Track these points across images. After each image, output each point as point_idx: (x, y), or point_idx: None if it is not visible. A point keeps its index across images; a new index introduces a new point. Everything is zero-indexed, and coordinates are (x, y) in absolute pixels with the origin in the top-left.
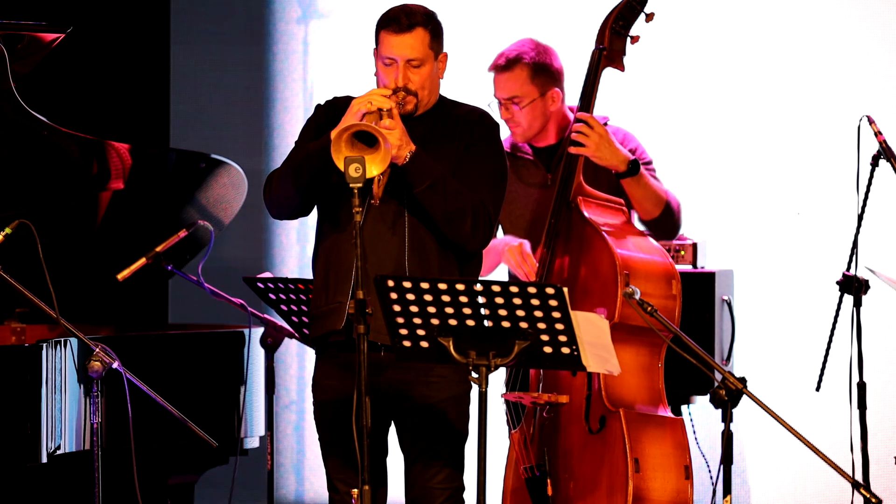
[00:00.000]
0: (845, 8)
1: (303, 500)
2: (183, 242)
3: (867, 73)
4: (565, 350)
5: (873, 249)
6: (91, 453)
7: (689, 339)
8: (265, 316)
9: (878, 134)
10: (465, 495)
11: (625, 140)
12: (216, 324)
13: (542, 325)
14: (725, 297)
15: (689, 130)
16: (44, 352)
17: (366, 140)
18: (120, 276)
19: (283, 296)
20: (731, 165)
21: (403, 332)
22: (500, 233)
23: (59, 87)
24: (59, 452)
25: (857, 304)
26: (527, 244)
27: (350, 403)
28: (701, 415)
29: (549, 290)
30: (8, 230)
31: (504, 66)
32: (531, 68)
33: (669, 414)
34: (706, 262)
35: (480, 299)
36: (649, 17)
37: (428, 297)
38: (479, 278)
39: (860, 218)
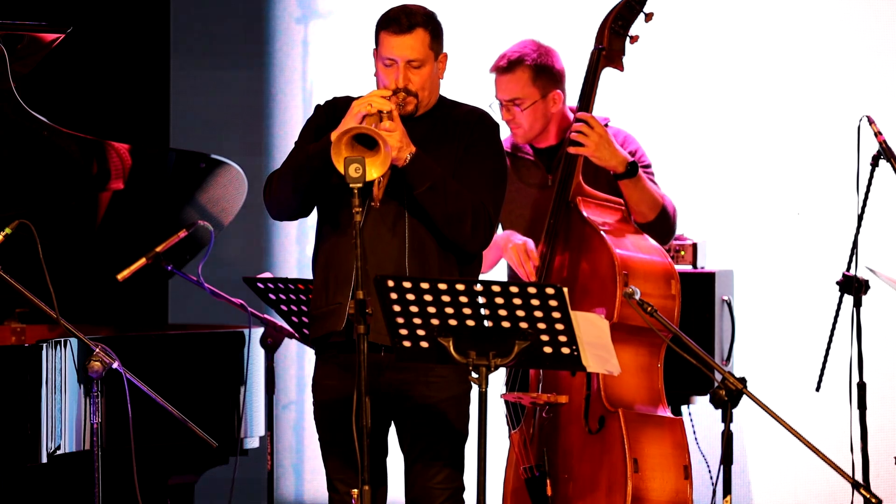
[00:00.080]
0: (845, 8)
1: (302, 501)
2: (183, 243)
3: (867, 73)
4: (565, 350)
5: (873, 249)
6: (91, 453)
7: (688, 340)
8: (265, 316)
9: (878, 134)
10: (465, 495)
11: (625, 142)
12: (216, 324)
13: (542, 326)
14: (725, 298)
15: (688, 130)
16: (44, 352)
17: (366, 143)
18: (120, 277)
19: (282, 296)
20: (731, 165)
21: (403, 332)
22: (499, 229)
23: (59, 87)
24: (59, 452)
25: (857, 304)
26: (531, 243)
27: (350, 403)
28: (701, 415)
29: (549, 291)
30: (8, 230)
31: (505, 67)
32: (533, 70)
33: (669, 414)
34: (706, 263)
35: (480, 299)
36: (648, 16)
37: (428, 298)
38: (480, 278)
39: (860, 218)
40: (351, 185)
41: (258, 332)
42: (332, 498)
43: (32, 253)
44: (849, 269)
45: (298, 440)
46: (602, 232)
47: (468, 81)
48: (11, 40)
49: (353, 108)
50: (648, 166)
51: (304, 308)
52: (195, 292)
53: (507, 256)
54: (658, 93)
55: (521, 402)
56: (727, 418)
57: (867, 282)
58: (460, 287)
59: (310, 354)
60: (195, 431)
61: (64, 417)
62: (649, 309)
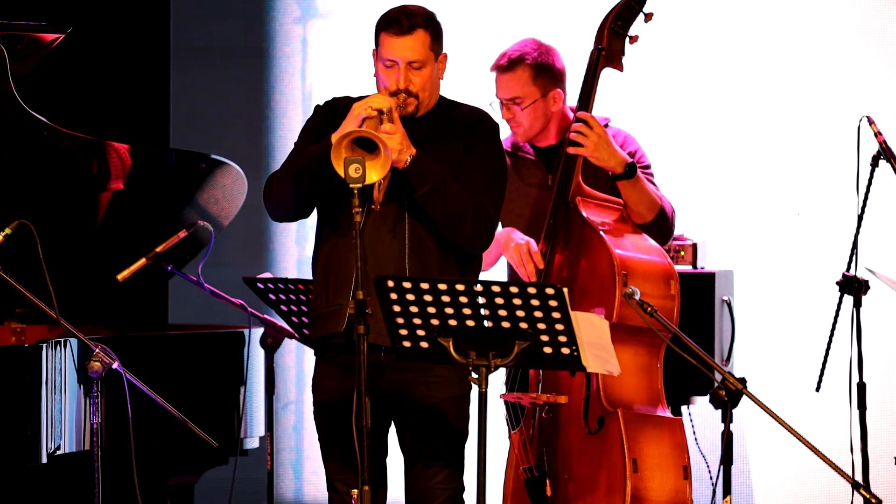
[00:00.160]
0: (845, 8)
1: (302, 501)
2: (183, 243)
3: (867, 73)
4: (565, 350)
5: (873, 250)
6: (91, 454)
7: (688, 340)
8: (265, 316)
9: (878, 134)
10: (465, 496)
11: (625, 142)
12: (216, 324)
13: (541, 326)
14: (725, 298)
15: (688, 131)
16: (44, 352)
17: (366, 146)
18: (120, 277)
19: (282, 296)
20: (730, 165)
21: (403, 332)
22: (499, 227)
23: (59, 87)
24: (58, 453)
25: (857, 304)
26: (533, 243)
27: (350, 403)
28: (701, 415)
29: (549, 291)
30: (8, 230)
31: (506, 66)
32: (533, 69)
33: (668, 414)
34: (706, 263)
35: (480, 300)
36: (648, 17)
37: (428, 298)
38: (479, 279)
39: (860, 218)
40: (351, 186)
41: (258, 332)
42: (332, 498)
43: (32, 253)
44: (848, 269)
45: (298, 440)
46: (601, 232)
47: (468, 81)
48: (11, 40)
49: (352, 110)
50: (648, 167)
51: (303, 308)
52: (195, 292)
53: (507, 255)
54: (658, 93)
55: (521, 402)
56: (727, 418)
57: (867, 282)
58: (460, 287)
59: (309, 354)
60: (195, 432)
61: (64, 418)
62: (649, 309)
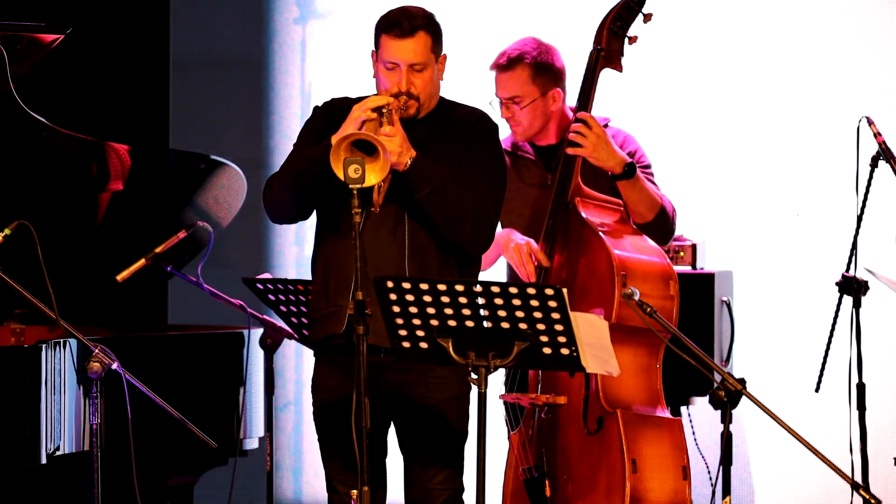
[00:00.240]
0: (845, 8)
1: (302, 501)
2: (182, 243)
3: (867, 74)
4: (564, 351)
5: (873, 250)
6: (90, 454)
7: (687, 340)
8: (264, 317)
9: (877, 135)
10: (465, 496)
11: (625, 143)
12: (215, 325)
13: (541, 326)
14: (725, 298)
15: (688, 131)
16: (43, 353)
17: (365, 149)
18: (119, 277)
19: (282, 297)
20: (730, 166)
21: (403, 333)
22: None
23: (59, 87)
24: (58, 453)
25: (857, 305)
26: (534, 244)
27: (350, 404)
28: (700, 416)
29: (549, 291)
30: (7, 231)
31: (505, 65)
32: (533, 68)
33: (667, 415)
34: (705, 263)
35: (480, 300)
36: (647, 17)
37: (427, 298)
38: (479, 279)
39: (859, 219)
40: (350, 186)
41: (257, 332)
42: (332, 499)
43: (32, 254)
44: (848, 269)
45: (297, 441)
46: (600, 233)
47: (468, 81)
48: (11, 41)
49: (352, 113)
50: (648, 167)
51: (303, 309)
52: (194, 293)
53: (507, 255)
54: (658, 93)
55: (520, 402)
56: (726, 419)
57: (866, 283)
58: (459, 288)
59: (309, 355)
60: (195, 432)
61: (63, 418)
62: (648, 310)
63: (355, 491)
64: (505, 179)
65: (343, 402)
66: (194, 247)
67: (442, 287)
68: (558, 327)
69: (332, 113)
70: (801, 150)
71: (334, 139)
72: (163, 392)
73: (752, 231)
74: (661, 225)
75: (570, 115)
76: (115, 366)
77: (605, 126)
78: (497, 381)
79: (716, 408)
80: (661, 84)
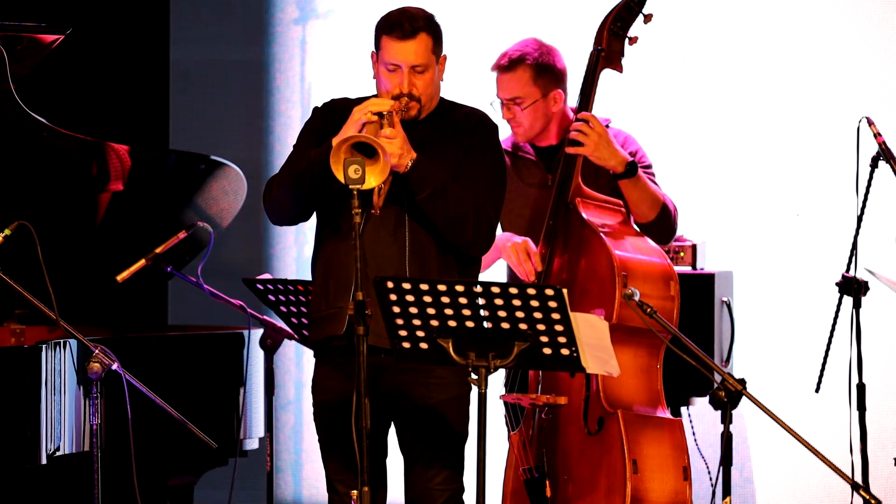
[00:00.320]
0: (845, 8)
1: (302, 502)
2: (182, 244)
3: (867, 74)
4: (564, 351)
5: (873, 251)
6: (90, 455)
7: (688, 341)
8: (264, 317)
9: (877, 135)
10: (465, 497)
11: (626, 143)
12: (216, 325)
13: (541, 327)
14: (725, 299)
15: (688, 131)
16: (43, 353)
17: (365, 151)
18: (119, 278)
19: (282, 297)
20: (730, 166)
21: (403, 333)
22: (498, 229)
23: (59, 88)
24: (58, 454)
25: (857, 305)
26: (531, 242)
27: (350, 405)
28: (700, 416)
29: (549, 292)
30: (7, 231)
31: (507, 66)
32: (534, 69)
33: (668, 415)
34: (705, 264)
35: (480, 300)
36: (648, 18)
37: (427, 299)
38: (479, 280)
39: (859, 219)
40: (350, 186)
41: (258, 333)
42: (332, 499)
43: (32, 254)
44: (848, 270)
45: (297, 441)
46: (601, 233)
47: (468, 81)
48: (11, 41)
49: (353, 115)
50: (649, 167)
51: (303, 309)
52: (194, 293)
53: (505, 255)
54: (658, 94)
55: (521, 403)
56: (727, 419)
57: (866, 283)
58: (460, 288)
59: (309, 355)
60: (195, 433)
61: (63, 419)
62: (648, 310)
63: (355, 491)
64: (505, 180)
65: (343, 402)
66: (194, 247)
67: (442, 287)
68: (558, 328)
69: (332, 114)
70: (801, 150)
71: (335, 141)
72: (163, 392)
73: (752, 231)
74: (663, 224)
75: (571, 115)
76: (115, 366)
77: (607, 127)
78: (497, 381)
79: (716, 408)
80: (662, 85)
